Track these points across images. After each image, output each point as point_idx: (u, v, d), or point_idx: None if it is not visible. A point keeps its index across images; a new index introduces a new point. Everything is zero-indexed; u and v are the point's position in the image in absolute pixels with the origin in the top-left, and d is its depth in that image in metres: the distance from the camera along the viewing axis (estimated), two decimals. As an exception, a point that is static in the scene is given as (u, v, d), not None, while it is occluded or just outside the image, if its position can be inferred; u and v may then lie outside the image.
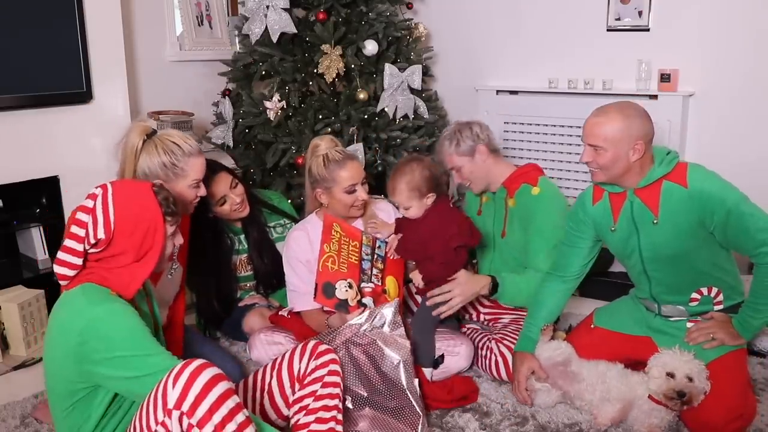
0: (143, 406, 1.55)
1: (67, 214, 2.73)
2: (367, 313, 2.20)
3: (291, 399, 1.92)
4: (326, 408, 1.81)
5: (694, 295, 2.21)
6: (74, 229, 1.69)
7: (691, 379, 2.01)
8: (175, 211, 1.77)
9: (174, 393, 1.50)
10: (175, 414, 1.50)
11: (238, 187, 2.62)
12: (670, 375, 2.04)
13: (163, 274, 2.23)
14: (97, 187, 1.72)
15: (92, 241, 1.68)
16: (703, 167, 2.12)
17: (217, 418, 1.50)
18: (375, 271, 2.34)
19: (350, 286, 2.24)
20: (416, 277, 2.40)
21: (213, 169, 2.51)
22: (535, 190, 2.51)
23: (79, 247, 1.69)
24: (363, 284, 2.28)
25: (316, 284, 2.25)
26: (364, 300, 2.26)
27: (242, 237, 2.80)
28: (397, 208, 2.47)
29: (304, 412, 1.82)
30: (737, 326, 2.15)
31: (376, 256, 2.39)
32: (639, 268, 2.24)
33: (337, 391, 1.86)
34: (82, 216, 1.69)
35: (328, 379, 1.86)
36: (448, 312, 2.36)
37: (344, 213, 2.48)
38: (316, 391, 1.84)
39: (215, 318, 2.79)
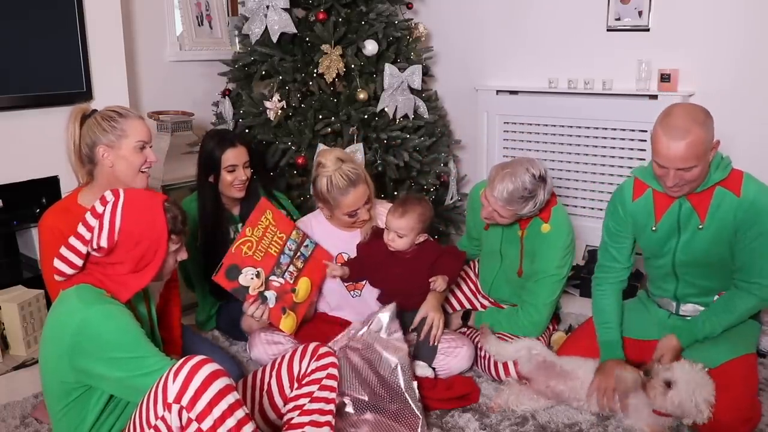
0: (143, 402, 1.56)
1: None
2: (362, 319, 2.23)
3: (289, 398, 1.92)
4: (322, 412, 1.82)
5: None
6: (81, 229, 1.72)
7: (669, 385, 2.01)
8: (182, 229, 1.81)
9: (174, 387, 1.51)
10: (175, 408, 1.51)
11: (247, 170, 2.73)
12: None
13: None
14: (111, 192, 1.75)
15: (94, 246, 1.71)
16: (758, 180, 2.08)
17: (216, 412, 1.51)
18: (292, 268, 2.33)
19: (257, 276, 2.23)
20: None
21: (243, 142, 2.75)
22: (545, 228, 2.43)
23: (83, 249, 1.71)
24: (273, 277, 2.27)
25: (222, 263, 2.24)
26: (266, 293, 2.24)
27: (239, 226, 2.82)
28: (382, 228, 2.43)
29: (298, 411, 1.82)
30: (685, 332, 2.17)
31: (299, 254, 2.37)
32: (668, 269, 2.22)
33: (333, 396, 1.86)
34: (90, 219, 1.72)
35: (326, 382, 1.86)
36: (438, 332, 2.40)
37: (345, 226, 2.51)
38: (313, 392, 1.84)
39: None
